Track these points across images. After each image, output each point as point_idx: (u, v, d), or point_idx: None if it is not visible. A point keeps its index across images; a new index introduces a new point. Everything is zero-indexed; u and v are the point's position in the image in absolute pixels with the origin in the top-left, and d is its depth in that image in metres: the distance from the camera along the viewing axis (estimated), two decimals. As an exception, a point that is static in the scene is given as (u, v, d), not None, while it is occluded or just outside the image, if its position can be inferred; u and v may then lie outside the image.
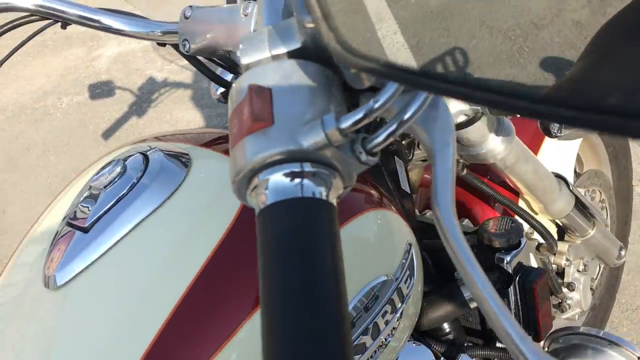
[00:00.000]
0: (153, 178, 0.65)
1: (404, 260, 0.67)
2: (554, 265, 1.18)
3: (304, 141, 0.31)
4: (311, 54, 0.35)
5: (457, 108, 0.83)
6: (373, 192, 0.72)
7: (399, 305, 0.65)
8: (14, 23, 0.83)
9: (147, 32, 0.76)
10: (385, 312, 0.64)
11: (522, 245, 0.84)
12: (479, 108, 0.83)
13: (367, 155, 0.34)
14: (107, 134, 2.69)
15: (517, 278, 0.83)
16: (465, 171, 1.03)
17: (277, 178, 0.32)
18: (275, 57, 0.35)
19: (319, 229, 0.31)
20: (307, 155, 0.32)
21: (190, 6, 0.64)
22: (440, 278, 0.88)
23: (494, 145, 0.91)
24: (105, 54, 3.23)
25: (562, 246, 1.16)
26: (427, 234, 0.94)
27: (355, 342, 0.61)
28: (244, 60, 0.35)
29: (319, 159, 0.32)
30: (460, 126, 0.87)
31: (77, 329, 0.58)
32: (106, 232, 0.61)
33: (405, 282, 0.67)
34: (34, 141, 2.74)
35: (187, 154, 0.68)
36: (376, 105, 0.32)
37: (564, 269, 1.19)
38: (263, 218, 0.31)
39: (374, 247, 0.65)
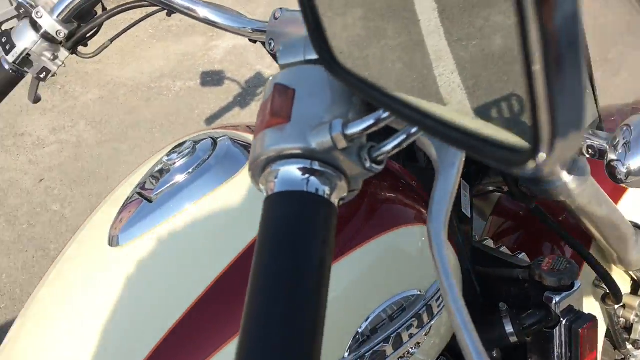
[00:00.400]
0: (217, 161, 0.70)
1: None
2: (622, 319, 1.13)
3: (312, 141, 0.34)
4: None
5: None
6: (423, 209, 0.73)
7: (427, 321, 0.66)
8: (126, 6, 0.92)
9: (239, 27, 0.82)
10: (411, 325, 0.65)
11: (574, 289, 0.82)
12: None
13: (371, 163, 0.36)
14: (210, 119, 2.83)
15: (565, 321, 0.81)
16: (534, 204, 1.01)
17: (287, 170, 0.35)
18: (308, 62, 0.38)
19: (314, 223, 0.33)
20: (317, 155, 0.34)
21: (281, 8, 0.69)
22: (487, 307, 0.87)
23: (566, 183, 0.89)
24: (222, 46, 3.40)
25: (633, 300, 1.10)
26: (482, 261, 0.93)
27: (376, 348, 0.62)
28: (281, 61, 0.39)
29: (328, 160, 0.35)
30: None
31: (129, 285, 0.64)
32: (167, 204, 0.67)
33: (437, 301, 0.67)
34: (144, 117, 2.94)
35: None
36: (384, 116, 0.34)
37: (632, 324, 1.14)
38: (268, 203, 0.34)
39: (409, 260, 0.67)
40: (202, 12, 0.85)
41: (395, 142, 0.36)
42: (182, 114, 2.94)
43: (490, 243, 0.98)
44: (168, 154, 0.73)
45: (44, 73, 0.93)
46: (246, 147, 0.73)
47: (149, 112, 2.99)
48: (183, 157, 0.71)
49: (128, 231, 0.67)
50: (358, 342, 0.62)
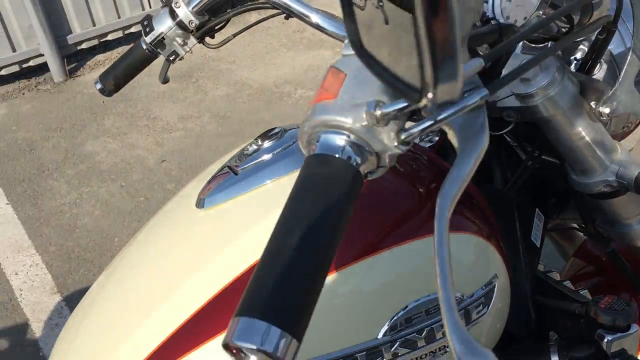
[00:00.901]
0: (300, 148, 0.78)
1: (483, 288, 0.71)
2: None
3: (350, 116, 0.41)
4: None
5: (600, 177, 0.83)
6: (482, 224, 0.76)
7: None
8: (251, 6, 1.04)
9: (342, 35, 0.90)
10: (439, 329, 0.69)
11: (630, 331, 0.81)
12: (625, 181, 0.82)
13: (399, 143, 0.42)
14: (322, 129, 2.96)
15: None
16: (611, 247, 1.00)
17: (327, 137, 0.42)
18: None
19: (340, 186, 0.40)
20: (353, 129, 0.41)
21: None
22: (539, 335, 0.88)
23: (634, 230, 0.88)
24: (346, 61, 3.54)
25: None
26: (544, 292, 0.94)
27: (409, 337, 0.67)
28: (344, 52, 0.46)
29: (361, 134, 0.41)
30: (603, 196, 0.86)
31: (207, 241, 0.74)
32: (250, 178, 0.76)
33: (477, 308, 0.71)
34: (262, 118, 3.13)
35: None
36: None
37: None
38: (307, 162, 0.42)
39: (457, 265, 0.70)
40: (314, 18, 0.94)
41: (421, 127, 0.42)
42: (297, 120, 3.09)
43: (555, 276, 0.98)
44: (259, 137, 0.82)
45: (173, 56, 1.07)
46: None
47: (267, 114, 3.17)
48: (271, 140, 0.80)
49: (214, 196, 0.77)
50: (393, 328, 0.67)
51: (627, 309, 0.82)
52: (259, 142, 0.81)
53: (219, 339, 0.64)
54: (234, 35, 1.12)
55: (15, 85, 3.70)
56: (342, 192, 0.40)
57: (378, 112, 0.40)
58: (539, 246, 0.93)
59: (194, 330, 0.66)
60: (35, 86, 3.70)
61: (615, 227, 0.92)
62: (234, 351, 0.36)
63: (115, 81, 1.12)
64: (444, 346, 0.70)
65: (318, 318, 0.60)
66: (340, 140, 0.42)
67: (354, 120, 0.41)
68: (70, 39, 3.81)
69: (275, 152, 0.78)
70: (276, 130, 0.82)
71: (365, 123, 0.41)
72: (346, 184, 0.40)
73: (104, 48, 4.06)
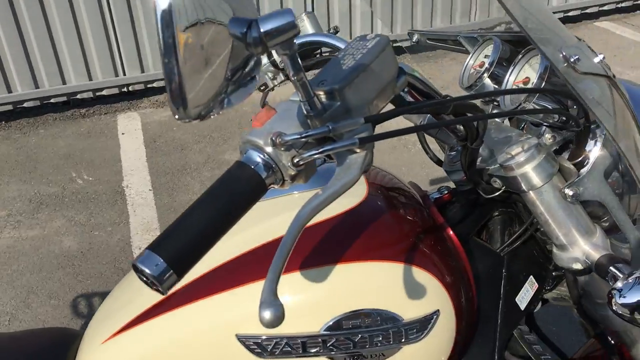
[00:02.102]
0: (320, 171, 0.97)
1: (422, 318, 0.84)
2: None
3: (264, 140, 0.59)
4: None
5: (572, 255, 0.91)
6: (441, 267, 0.88)
7: (391, 342, 0.83)
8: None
9: None
10: (379, 336, 0.82)
11: None
12: (589, 262, 0.89)
13: (292, 164, 0.59)
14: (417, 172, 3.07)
15: None
16: (601, 329, 1.04)
17: (250, 152, 0.60)
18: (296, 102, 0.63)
19: (245, 188, 0.58)
20: (265, 150, 0.60)
21: None
22: None
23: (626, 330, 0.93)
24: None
25: None
26: (515, 352, 1.02)
27: (343, 338, 0.82)
28: (292, 98, 0.64)
29: (270, 154, 0.59)
30: (576, 273, 0.94)
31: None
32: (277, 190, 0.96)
33: (410, 331, 0.83)
34: (381, 160, 3.32)
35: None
36: (302, 135, 0.57)
37: None
38: (234, 165, 0.60)
39: (404, 290, 0.84)
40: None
41: (308, 154, 0.58)
42: (410, 175, 3.24)
43: (534, 339, 1.05)
44: None
45: (264, 86, 1.31)
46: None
47: (389, 157, 3.36)
48: None
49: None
50: (333, 327, 0.82)
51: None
52: None
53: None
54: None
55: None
56: (244, 192, 0.58)
57: (278, 140, 0.58)
58: (522, 309, 1.01)
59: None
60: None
61: (596, 308, 0.98)
62: (138, 271, 0.55)
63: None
64: (378, 354, 0.84)
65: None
66: (257, 157, 0.60)
67: (264, 143, 0.60)
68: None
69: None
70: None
71: (270, 147, 0.59)
72: (250, 188, 0.59)
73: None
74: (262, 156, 0.60)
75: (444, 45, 1.26)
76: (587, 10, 5.17)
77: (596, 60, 0.83)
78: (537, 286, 1.04)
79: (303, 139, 0.59)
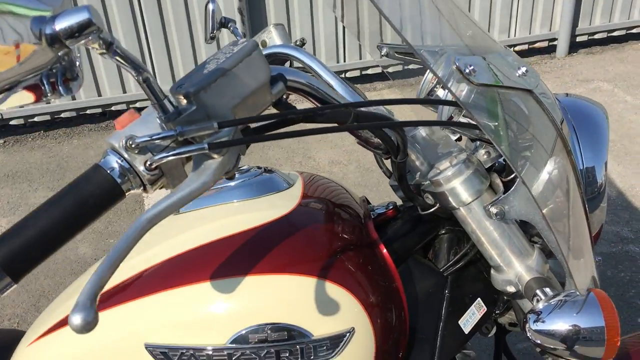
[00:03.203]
0: (253, 183, 0.95)
1: (334, 335, 0.80)
2: None
3: (118, 142, 0.58)
4: None
5: (505, 277, 0.86)
6: (361, 284, 0.84)
7: (298, 357, 0.80)
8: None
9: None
10: (285, 350, 0.79)
11: None
12: (520, 285, 0.84)
13: (145, 168, 0.58)
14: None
15: None
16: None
17: (109, 156, 0.59)
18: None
19: (100, 192, 0.57)
20: (120, 153, 0.58)
21: None
22: None
23: None
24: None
25: None
26: None
27: (249, 351, 0.79)
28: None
29: (125, 157, 0.58)
30: (511, 296, 0.89)
31: (172, 231, 0.92)
32: (211, 198, 0.95)
33: (320, 348, 0.80)
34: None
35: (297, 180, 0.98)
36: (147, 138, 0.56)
37: None
38: (92, 167, 0.59)
39: (311, 304, 0.81)
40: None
41: (160, 156, 0.57)
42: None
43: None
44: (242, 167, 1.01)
45: None
46: (289, 181, 0.97)
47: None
48: (242, 174, 0.98)
49: (186, 207, 0.97)
50: (239, 340, 0.80)
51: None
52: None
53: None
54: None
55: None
56: (95, 195, 0.57)
57: (129, 143, 0.57)
58: (466, 332, 0.96)
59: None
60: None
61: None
62: None
63: None
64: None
65: (182, 310, 0.77)
66: (114, 162, 0.59)
67: (119, 145, 0.59)
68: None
69: (235, 183, 0.96)
70: (245, 168, 1.00)
71: (124, 151, 0.58)
72: (102, 192, 0.58)
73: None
74: (119, 160, 0.59)
75: (412, 59, 1.23)
76: (633, 31, 4.97)
77: (519, 72, 0.78)
78: (486, 309, 0.99)
79: (156, 142, 0.58)
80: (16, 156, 3.85)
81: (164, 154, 0.58)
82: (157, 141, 0.58)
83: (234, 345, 0.80)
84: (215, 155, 0.60)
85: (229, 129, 0.59)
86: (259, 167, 1.01)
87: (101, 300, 0.85)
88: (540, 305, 0.77)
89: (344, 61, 4.48)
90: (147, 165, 0.58)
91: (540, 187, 0.80)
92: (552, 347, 0.76)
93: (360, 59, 4.49)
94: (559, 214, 0.80)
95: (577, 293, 0.76)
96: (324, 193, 1.01)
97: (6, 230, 0.56)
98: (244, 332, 0.80)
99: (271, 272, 0.82)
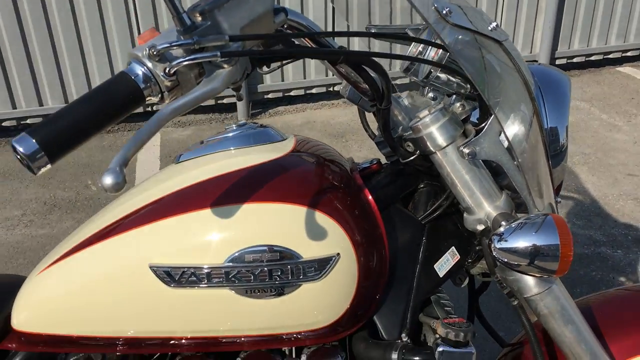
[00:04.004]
0: (251, 134, 1.05)
1: (321, 258, 0.89)
2: None
3: (142, 52, 0.68)
4: None
5: (475, 216, 0.96)
6: (349, 218, 0.94)
7: (289, 277, 0.89)
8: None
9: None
10: (277, 270, 0.88)
11: (463, 349, 0.91)
12: (489, 222, 0.94)
13: (165, 73, 0.68)
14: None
15: None
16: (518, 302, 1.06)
17: (133, 64, 0.69)
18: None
19: (123, 95, 0.67)
20: (143, 61, 0.68)
21: None
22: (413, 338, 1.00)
23: (524, 279, 0.96)
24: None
25: None
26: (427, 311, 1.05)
27: (245, 270, 0.88)
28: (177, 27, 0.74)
29: (147, 64, 0.68)
30: (480, 234, 0.98)
31: (173, 174, 1.02)
32: (209, 147, 1.05)
33: (308, 269, 0.89)
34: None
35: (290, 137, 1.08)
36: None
37: None
38: (118, 74, 0.69)
39: (301, 230, 0.90)
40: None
41: (178, 61, 0.67)
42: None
43: (451, 306, 1.08)
44: (233, 123, 1.10)
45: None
46: (271, 134, 1.07)
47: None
48: (238, 127, 1.08)
49: (185, 155, 1.06)
50: (235, 260, 0.89)
51: (462, 328, 0.92)
52: (231, 126, 1.09)
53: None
54: (280, 66, 1.42)
55: (207, 116, 4.44)
56: (120, 97, 0.67)
57: (151, 51, 0.67)
58: (441, 276, 1.05)
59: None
60: (222, 120, 4.41)
61: (507, 274, 1.01)
62: (14, 150, 0.64)
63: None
64: (277, 288, 0.90)
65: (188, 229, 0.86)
66: (138, 69, 0.69)
67: (142, 55, 0.68)
68: (260, 88, 4.50)
69: (233, 134, 1.06)
70: (242, 122, 1.10)
71: (148, 59, 0.68)
72: (126, 94, 0.67)
73: (287, 102, 4.68)
74: (142, 69, 0.69)
75: (399, 41, 1.34)
76: (610, 56, 5.19)
77: (490, 27, 0.90)
78: (459, 257, 1.08)
79: (173, 49, 0.68)
80: (7, 155, 3.90)
81: (181, 59, 0.68)
82: (174, 49, 0.68)
83: (230, 264, 0.89)
84: (225, 65, 0.69)
85: (238, 44, 0.69)
86: (254, 123, 1.11)
87: (109, 229, 0.95)
88: (503, 228, 0.87)
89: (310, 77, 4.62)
90: (167, 71, 0.68)
91: (508, 128, 0.90)
92: (515, 263, 0.86)
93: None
94: (522, 153, 0.91)
95: (536, 216, 0.86)
96: (314, 147, 1.11)
97: (44, 119, 0.65)
98: (240, 252, 0.89)
99: (267, 201, 0.91)
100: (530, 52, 5.00)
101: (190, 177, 0.98)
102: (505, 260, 0.86)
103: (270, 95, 4.59)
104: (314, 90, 4.63)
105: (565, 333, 0.99)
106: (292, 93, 4.63)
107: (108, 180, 0.60)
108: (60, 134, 0.64)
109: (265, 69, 1.42)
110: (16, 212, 3.20)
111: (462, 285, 1.17)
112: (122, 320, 0.95)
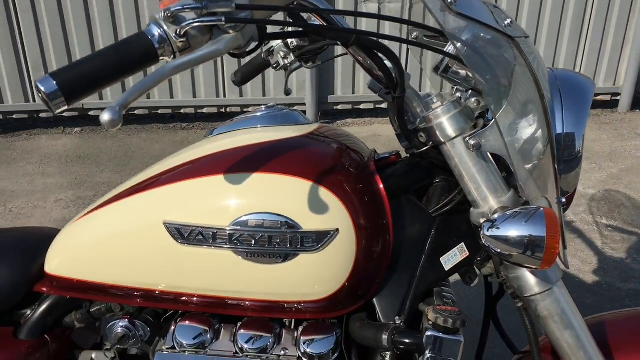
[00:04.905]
0: (279, 115, 1.11)
1: (320, 231, 0.94)
2: None
3: (159, 15, 0.75)
4: None
5: (480, 210, 0.97)
6: (354, 198, 0.97)
7: (287, 245, 0.93)
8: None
9: None
10: (277, 237, 0.93)
11: (452, 337, 0.91)
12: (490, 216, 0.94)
13: (176, 34, 0.74)
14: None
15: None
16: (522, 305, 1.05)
17: (152, 26, 0.76)
18: None
19: (140, 52, 0.74)
20: (159, 22, 0.75)
21: None
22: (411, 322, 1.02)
23: (525, 278, 0.96)
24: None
25: None
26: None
27: (246, 234, 0.94)
28: None
29: (162, 25, 0.75)
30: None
31: (204, 144, 1.10)
32: (237, 124, 1.12)
33: (306, 240, 0.93)
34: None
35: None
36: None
37: None
38: (137, 33, 0.76)
39: (303, 202, 0.94)
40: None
41: (187, 22, 0.73)
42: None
43: (452, 299, 1.08)
44: (263, 105, 1.17)
45: (276, 65, 1.47)
46: (297, 117, 1.13)
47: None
48: (268, 108, 1.15)
49: (217, 130, 1.14)
50: (239, 224, 0.94)
51: (452, 316, 0.92)
52: (260, 108, 1.16)
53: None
54: (322, 63, 1.48)
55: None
56: (136, 53, 0.74)
57: (166, 13, 0.74)
58: (446, 270, 1.06)
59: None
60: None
61: (509, 272, 1.01)
62: (37, 89, 0.72)
63: (242, 77, 1.55)
64: (276, 255, 0.94)
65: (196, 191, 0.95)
66: (155, 30, 0.76)
67: (159, 17, 0.76)
68: (330, 99, 4.59)
69: (261, 114, 1.13)
70: (271, 104, 1.17)
71: (163, 21, 0.75)
72: (142, 51, 0.74)
73: (357, 115, 4.74)
74: (159, 30, 0.76)
75: (438, 41, 1.37)
76: None
77: (505, 23, 0.91)
78: (468, 254, 1.08)
79: (185, 12, 0.75)
80: (90, 142, 4.19)
81: (190, 21, 0.74)
82: (186, 12, 0.75)
83: (234, 227, 0.95)
84: (231, 31, 0.76)
85: (247, 13, 0.75)
86: (283, 106, 1.17)
87: (136, 188, 1.03)
88: (497, 215, 0.88)
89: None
90: (178, 32, 0.75)
91: (513, 124, 0.91)
92: (502, 251, 0.86)
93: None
94: (523, 150, 0.91)
95: (530, 208, 0.87)
96: (336, 133, 1.15)
97: (68, 65, 0.74)
98: (244, 217, 0.94)
99: (276, 172, 0.97)
100: (614, 84, 4.82)
101: (213, 147, 1.05)
102: (493, 247, 0.87)
103: (340, 107, 4.67)
104: (383, 105, 4.66)
105: (565, 338, 0.97)
106: (361, 106, 4.69)
107: (106, 116, 0.68)
108: (79, 80, 0.72)
109: (310, 64, 1.49)
110: (89, 193, 3.42)
111: (472, 285, 1.17)
112: (139, 273, 1.03)
